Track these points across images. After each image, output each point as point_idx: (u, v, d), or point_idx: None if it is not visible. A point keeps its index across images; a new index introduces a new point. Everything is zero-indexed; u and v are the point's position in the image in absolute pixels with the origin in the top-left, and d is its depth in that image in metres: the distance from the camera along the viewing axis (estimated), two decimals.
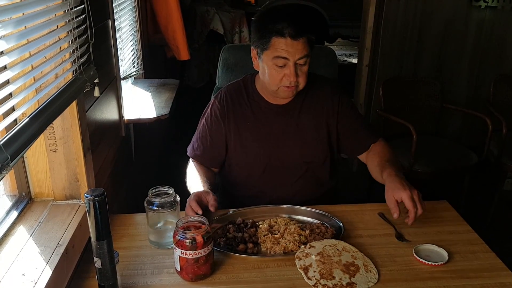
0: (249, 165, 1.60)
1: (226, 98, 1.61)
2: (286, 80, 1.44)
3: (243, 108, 1.59)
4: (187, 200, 1.38)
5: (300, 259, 1.21)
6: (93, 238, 1.04)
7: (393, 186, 1.34)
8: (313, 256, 1.21)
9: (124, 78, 2.25)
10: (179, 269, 1.16)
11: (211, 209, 1.35)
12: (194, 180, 1.53)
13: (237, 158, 1.61)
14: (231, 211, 1.45)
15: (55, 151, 1.33)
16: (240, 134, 1.59)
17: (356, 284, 1.13)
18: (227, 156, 1.63)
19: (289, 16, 1.45)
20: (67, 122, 1.31)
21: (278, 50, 1.42)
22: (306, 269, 1.17)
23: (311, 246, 1.25)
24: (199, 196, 1.38)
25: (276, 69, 1.44)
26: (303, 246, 1.26)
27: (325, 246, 1.25)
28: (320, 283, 1.13)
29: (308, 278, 1.15)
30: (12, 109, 1.04)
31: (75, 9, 1.29)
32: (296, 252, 1.24)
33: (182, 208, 1.37)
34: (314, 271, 1.16)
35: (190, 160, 1.65)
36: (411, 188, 1.32)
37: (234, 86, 1.64)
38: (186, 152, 1.67)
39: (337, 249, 1.24)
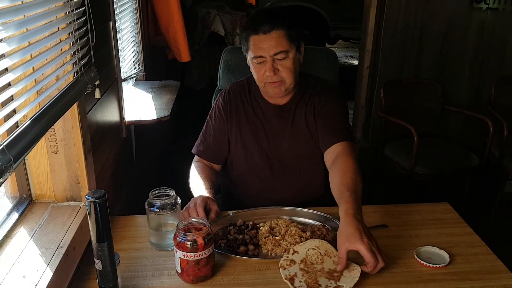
0: (249, 162, 1.62)
1: (229, 95, 1.65)
2: (267, 75, 1.47)
3: (245, 106, 1.62)
4: (193, 200, 1.39)
5: (285, 268, 1.18)
6: (93, 240, 1.04)
7: (349, 233, 1.15)
8: (297, 265, 1.19)
9: (125, 79, 2.25)
10: (179, 271, 1.16)
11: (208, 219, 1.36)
12: (198, 185, 1.54)
13: (238, 155, 1.64)
14: (231, 213, 1.45)
15: (56, 153, 1.33)
16: (241, 131, 1.62)
17: (343, 285, 1.14)
18: (229, 153, 1.66)
19: (265, 14, 1.49)
20: (68, 124, 1.31)
21: (254, 49, 1.46)
22: (292, 280, 1.15)
23: (294, 252, 1.23)
24: (206, 202, 1.39)
25: (258, 66, 1.48)
26: (285, 252, 1.24)
27: (308, 250, 1.23)
28: None
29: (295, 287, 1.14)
30: (14, 112, 1.04)
31: (76, 11, 1.29)
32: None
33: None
34: (300, 281, 1.15)
35: (193, 163, 1.66)
36: (369, 237, 1.15)
37: (238, 84, 1.67)
38: (187, 153, 1.69)
39: (320, 253, 1.22)
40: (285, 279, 1.16)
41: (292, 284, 1.14)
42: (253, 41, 1.46)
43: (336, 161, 1.43)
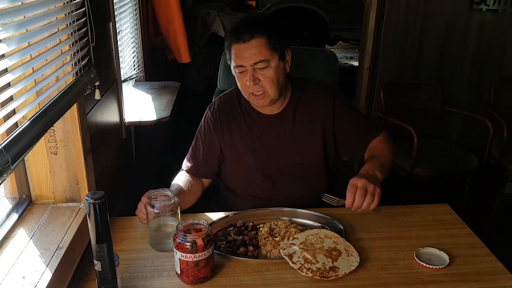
0: (245, 175, 1.59)
1: (219, 109, 1.60)
2: (247, 85, 1.43)
3: (237, 119, 1.58)
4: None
5: (285, 249, 1.24)
6: (93, 241, 1.04)
7: (360, 175, 1.32)
8: (296, 246, 1.24)
9: (125, 80, 2.25)
10: (179, 272, 1.16)
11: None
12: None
13: (233, 169, 1.61)
14: (231, 214, 1.45)
15: (56, 154, 1.33)
16: (235, 146, 1.58)
17: (339, 268, 1.17)
18: (223, 167, 1.63)
19: (247, 22, 1.46)
20: (67, 125, 1.31)
21: (236, 59, 1.43)
22: (290, 256, 1.21)
23: (294, 238, 1.28)
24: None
25: (240, 76, 1.45)
26: (286, 239, 1.28)
27: (307, 236, 1.29)
28: (304, 267, 1.17)
29: (293, 262, 1.19)
30: (13, 112, 1.04)
31: (76, 12, 1.29)
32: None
33: (184, 211, 1.37)
34: (298, 257, 1.20)
35: (182, 171, 1.64)
36: (374, 183, 1.30)
37: (227, 96, 1.63)
38: (186, 154, 1.66)
39: (319, 237, 1.28)
40: (284, 255, 1.20)
41: (291, 259, 1.19)
42: (235, 50, 1.43)
43: (372, 145, 1.57)
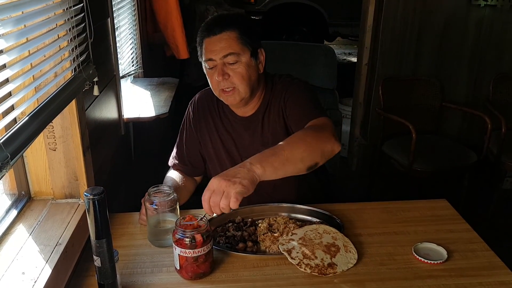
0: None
1: (197, 106, 1.59)
2: (218, 81, 1.39)
3: (214, 118, 1.56)
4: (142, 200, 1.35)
5: (283, 244, 1.24)
6: (92, 237, 1.04)
7: (229, 170, 1.15)
8: (295, 242, 1.24)
9: (124, 76, 2.24)
10: (178, 268, 1.16)
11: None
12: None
13: (214, 168, 1.58)
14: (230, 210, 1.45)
15: (55, 150, 1.33)
16: (213, 145, 1.56)
17: (337, 265, 1.18)
18: (206, 165, 1.62)
19: (220, 17, 1.43)
20: (66, 121, 1.31)
21: (205, 53, 1.39)
22: (289, 251, 1.21)
23: (292, 234, 1.28)
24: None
25: (210, 72, 1.41)
26: (284, 235, 1.28)
27: (306, 232, 1.29)
28: (303, 263, 1.17)
29: (292, 258, 1.19)
30: (12, 108, 1.04)
31: (74, 8, 1.29)
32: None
33: (181, 207, 1.37)
34: (297, 252, 1.21)
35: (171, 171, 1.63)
36: (235, 180, 1.09)
37: (206, 93, 1.58)
38: (171, 156, 1.66)
39: (318, 232, 1.28)
40: (283, 251, 1.21)
41: (289, 254, 1.19)
42: (205, 44, 1.39)
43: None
